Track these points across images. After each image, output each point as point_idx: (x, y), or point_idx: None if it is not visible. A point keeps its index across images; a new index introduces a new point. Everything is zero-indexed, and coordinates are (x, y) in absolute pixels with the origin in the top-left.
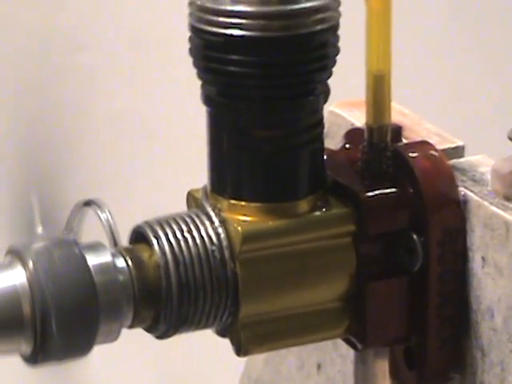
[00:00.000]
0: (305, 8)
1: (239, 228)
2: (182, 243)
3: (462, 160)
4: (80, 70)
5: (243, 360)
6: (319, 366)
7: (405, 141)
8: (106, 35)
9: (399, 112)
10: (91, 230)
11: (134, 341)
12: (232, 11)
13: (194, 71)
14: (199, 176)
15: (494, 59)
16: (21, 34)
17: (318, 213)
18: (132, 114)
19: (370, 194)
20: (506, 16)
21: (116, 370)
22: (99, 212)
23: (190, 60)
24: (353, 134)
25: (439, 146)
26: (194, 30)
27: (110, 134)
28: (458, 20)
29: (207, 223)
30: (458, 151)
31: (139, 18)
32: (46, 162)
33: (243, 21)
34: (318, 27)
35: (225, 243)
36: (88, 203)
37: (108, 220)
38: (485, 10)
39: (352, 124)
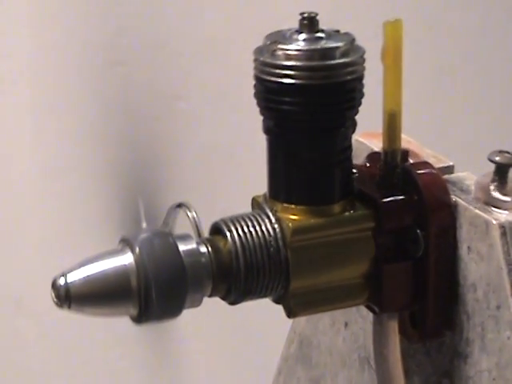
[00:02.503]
0: (339, 63)
1: (290, 224)
2: (248, 235)
3: (452, 175)
4: (177, 113)
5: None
6: (346, 324)
7: (410, 161)
8: (196, 88)
9: (406, 140)
10: (182, 225)
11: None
12: (285, 65)
13: (258, 110)
14: (261, 186)
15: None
16: (139, 89)
17: (347, 213)
18: (216, 141)
19: (386, 199)
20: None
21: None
22: (188, 212)
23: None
24: (372, 156)
25: (436, 166)
26: (257, 78)
27: (199, 158)
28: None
29: (266, 220)
30: (449, 169)
31: (222, 78)
32: (152, 176)
33: (293, 72)
34: (349, 77)
35: (279, 235)
36: (180, 205)
37: (194, 218)
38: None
39: (372, 149)
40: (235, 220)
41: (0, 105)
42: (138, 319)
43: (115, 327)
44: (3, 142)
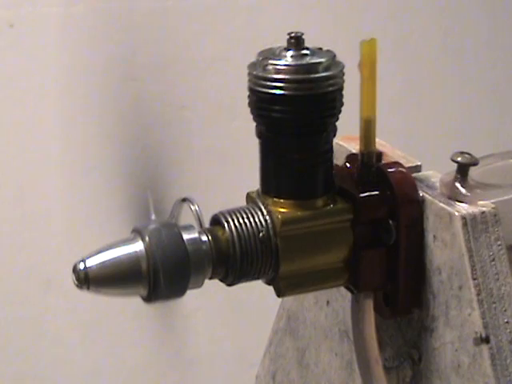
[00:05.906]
0: (322, 76)
1: (279, 216)
2: (243, 226)
3: (420, 174)
4: (182, 120)
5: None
6: (328, 302)
7: (384, 162)
8: (199, 99)
9: (380, 144)
10: (186, 216)
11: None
12: (275, 78)
13: (251, 117)
14: (254, 183)
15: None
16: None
17: (329, 207)
18: (215, 144)
19: (362, 195)
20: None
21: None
22: (191, 206)
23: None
24: (351, 157)
25: (406, 165)
26: (250, 90)
27: (201, 159)
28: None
29: (259, 213)
30: (417, 168)
31: (221, 92)
32: (160, 175)
33: (282, 84)
34: (330, 89)
35: (270, 226)
36: (184, 200)
37: (196, 210)
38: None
39: (350, 151)
40: (232, 212)
41: (35, 115)
42: (148, 299)
43: (131, 304)
44: (39, 147)
